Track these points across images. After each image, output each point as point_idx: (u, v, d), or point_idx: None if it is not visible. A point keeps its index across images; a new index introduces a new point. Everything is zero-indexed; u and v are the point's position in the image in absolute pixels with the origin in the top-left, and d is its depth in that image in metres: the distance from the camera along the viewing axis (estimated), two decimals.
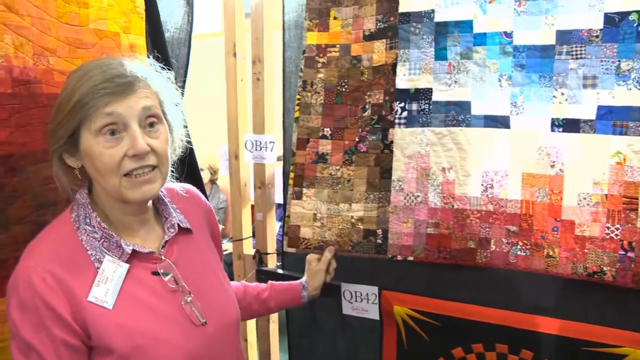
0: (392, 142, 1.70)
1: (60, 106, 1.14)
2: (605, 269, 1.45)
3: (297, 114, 1.86)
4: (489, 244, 1.59)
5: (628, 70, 1.42)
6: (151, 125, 1.17)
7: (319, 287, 1.73)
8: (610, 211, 1.45)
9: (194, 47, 2.07)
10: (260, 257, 2.18)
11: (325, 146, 1.81)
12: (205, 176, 5.10)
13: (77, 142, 1.14)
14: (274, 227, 2.22)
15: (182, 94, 1.68)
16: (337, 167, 1.79)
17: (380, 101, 1.73)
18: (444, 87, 1.64)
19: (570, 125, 1.49)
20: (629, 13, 1.42)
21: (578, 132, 1.48)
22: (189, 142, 1.37)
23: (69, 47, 1.45)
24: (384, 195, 1.72)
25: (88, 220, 1.18)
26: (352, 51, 1.78)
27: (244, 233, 2.30)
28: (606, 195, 1.45)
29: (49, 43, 1.40)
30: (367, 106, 1.76)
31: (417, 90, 1.67)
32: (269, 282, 1.70)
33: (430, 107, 1.65)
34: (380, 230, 1.72)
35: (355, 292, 1.81)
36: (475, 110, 1.60)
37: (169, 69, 1.30)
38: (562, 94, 1.49)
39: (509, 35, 1.56)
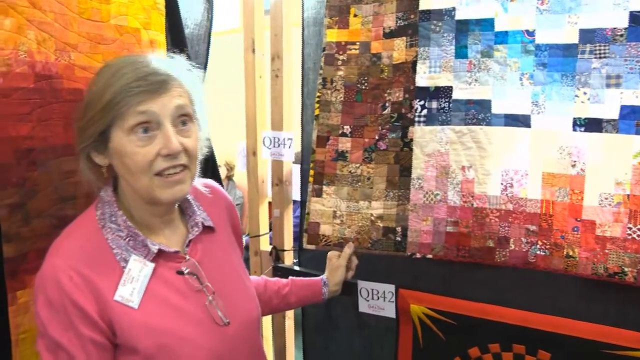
0: (411, 140, 1.70)
1: (91, 104, 1.13)
2: (626, 269, 1.43)
3: (317, 112, 1.86)
4: (508, 243, 1.59)
5: None
6: (183, 123, 1.16)
7: (340, 283, 1.73)
8: (632, 211, 1.43)
9: (212, 43, 2.08)
10: (277, 253, 2.19)
11: (345, 144, 1.81)
12: (222, 172, 5.10)
13: (107, 140, 1.14)
14: (291, 224, 2.22)
15: None
16: (357, 165, 1.79)
17: (400, 99, 1.73)
18: (464, 85, 1.63)
19: (592, 125, 1.48)
20: None
21: (600, 131, 1.46)
22: (208, 139, 1.37)
23: (90, 42, 1.46)
24: (403, 193, 1.71)
25: (114, 219, 1.18)
26: (372, 49, 1.78)
27: (261, 229, 2.30)
28: (628, 195, 1.44)
29: (71, 39, 1.41)
30: (387, 104, 1.76)
31: (437, 88, 1.66)
32: (290, 277, 1.70)
33: (450, 105, 1.64)
34: (399, 228, 1.72)
35: (372, 290, 1.81)
36: (496, 109, 1.59)
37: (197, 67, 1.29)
38: (585, 93, 1.48)
39: (531, 33, 1.55)
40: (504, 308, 1.58)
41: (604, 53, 1.45)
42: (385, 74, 1.76)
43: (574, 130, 1.50)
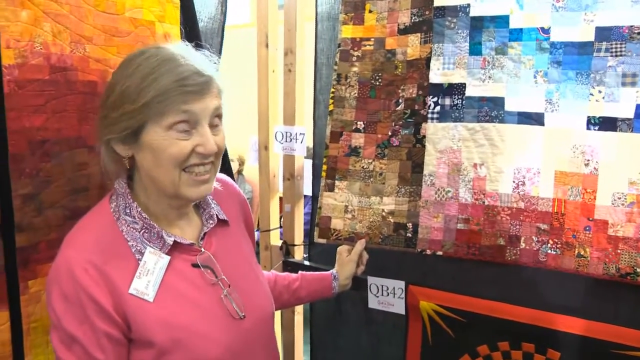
0: (424, 136, 1.69)
1: (128, 97, 1.10)
2: (638, 270, 1.42)
3: (331, 107, 1.86)
4: (518, 242, 1.58)
5: None
6: (215, 123, 1.16)
7: (350, 278, 1.73)
8: None
9: (225, 37, 2.08)
10: (287, 248, 2.19)
11: (358, 139, 1.81)
12: (234, 167, 5.12)
13: (139, 133, 1.12)
14: (301, 218, 2.23)
15: None
16: (370, 161, 1.79)
17: (414, 95, 1.72)
18: (478, 82, 1.62)
19: (606, 124, 1.46)
20: None
21: (615, 130, 1.45)
22: None
23: (104, 35, 1.46)
24: (415, 189, 1.71)
25: (128, 211, 1.17)
26: (386, 45, 1.78)
27: (271, 224, 2.31)
28: None
29: (86, 31, 1.41)
30: (400, 100, 1.75)
31: (451, 85, 1.65)
32: (300, 272, 1.71)
33: (463, 102, 1.64)
34: (410, 224, 1.72)
35: (382, 286, 1.81)
36: (509, 106, 1.58)
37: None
38: (600, 91, 1.47)
39: (546, 31, 1.54)
40: (514, 306, 1.58)
41: (620, 51, 1.44)
42: (399, 70, 1.75)
43: (588, 128, 1.49)
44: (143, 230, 1.17)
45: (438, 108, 1.67)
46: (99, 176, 1.46)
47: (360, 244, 1.75)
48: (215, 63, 1.21)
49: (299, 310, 2.29)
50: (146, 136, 1.11)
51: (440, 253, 1.68)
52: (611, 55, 1.45)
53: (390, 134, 1.76)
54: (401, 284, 1.77)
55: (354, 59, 1.83)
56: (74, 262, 1.08)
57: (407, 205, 1.73)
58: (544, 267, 1.55)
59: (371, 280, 1.82)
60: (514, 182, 1.58)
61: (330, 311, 2.12)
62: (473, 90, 1.63)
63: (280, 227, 2.32)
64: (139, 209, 1.18)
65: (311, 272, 1.71)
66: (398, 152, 1.75)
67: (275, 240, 2.30)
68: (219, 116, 1.17)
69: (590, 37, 1.48)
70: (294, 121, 2.13)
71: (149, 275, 1.13)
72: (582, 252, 1.49)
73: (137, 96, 1.09)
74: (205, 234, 1.27)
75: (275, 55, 2.24)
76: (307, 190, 2.16)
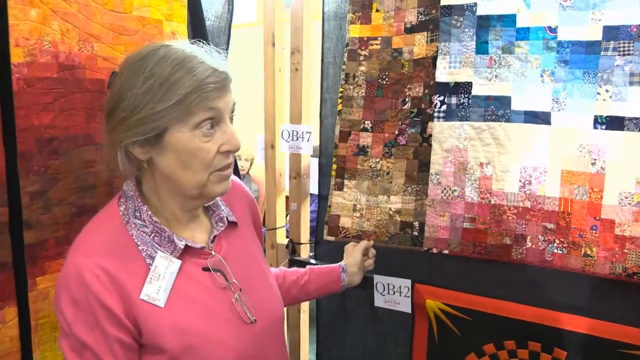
0: (430, 135, 1.69)
1: (154, 97, 1.06)
2: None
3: (339, 107, 1.87)
4: (525, 241, 1.58)
5: None
6: (231, 119, 1.15)
7: (357, 266, 1.70)
8: None
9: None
10: (293, 246, 2.20)
11: (366, 139, 1.82)
12: (245, 166, 5.10)
13: (161, 135, 1.09)
14: (307, 217, 2.23)
15: None
16: (377, 160, 1.80)
17: (420, 94, 1.72)
18: (484, 81, 1.62)
19: (614, 123, 1.46)
20: None
21: (622, 130, 1.45)
22: None
23: (112, 33, 1.47)
24: (421, 188, 1.71)
25: (138, 214, 1.15)
26: (393, 44, 1.78)
27: (278, 222, 2.31)
28: None
29: (94, 29, 1.42)
30: (406, 99, 1.75)
31: (457, 84, 1.66)
32: (308, 266, 1.69)
33: (470, 101, 1.64)
34: (417, 223, 1.72)
35: (388, 284, 1.81)
36: (516, 105, 1.58)
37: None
38: (607, 91, 1.47)
39: (553, 30, 1.53)
40: (520, 305, 1.58)
41: (628, 50, 1.44)
42: (406, 69, 1.76)
43: (595, 128, 1.49)
44: (153, 234, 1.14)
45: (444, 107, 1.67)
46: (106, 174, 1.47)
47: (365, 243, 1.76)
48: (224, 59, 1.19)
49: (305, 308, 2.29)
50: (170, 138, 1.09)
51: (446, 252, 1.68)
52: (619, 54, 1.45)
53: (397, 133, 1.77)
54: (407, 282, 1.77)
55: (362, 58, 1.83)
56: (84, 268, 1.06)
57: (413, 204, 1.73)
58: (550, 266, 1.55)
59: (377, 278, 1.82)
60: (520, 181, 1.58)
61: (336, 310, 2.12)
62: (479, 89, 1.63)
63: (287, 225, 2.33)
64: (149, 212, 1.15)
65: (319, 266, 1.70)
66: (405, 151, 1.75)
67: (282, 238, 2.31)
68: (234, 112, 1.17)
69: (598, 36, 1.48)
70: (300, 120, 2.13)
71: (160, 280, 1.11)
72: (589, 252, 1.49)
73: (163, 95, 1.06)
74: (215, 236, 1.25)
75: (282, 54, 2.24)
76: (314, 189, 2.16)
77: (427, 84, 1.71)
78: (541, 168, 1.56)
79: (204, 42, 1.18)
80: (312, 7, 2.10)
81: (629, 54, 1.44)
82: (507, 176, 1.59)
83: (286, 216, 2.38)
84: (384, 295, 1.83)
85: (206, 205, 1.28)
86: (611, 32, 1.46)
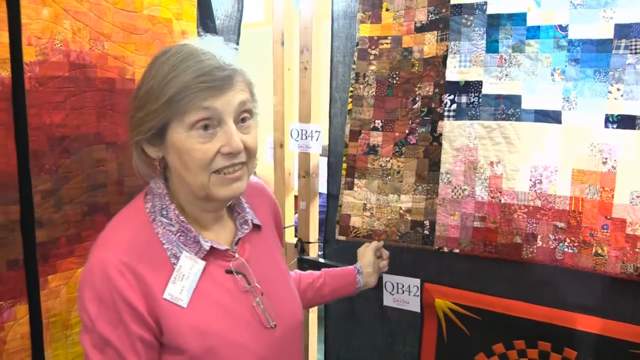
0: (441, 134, 1.69)
1: (151, 96, 1.07)
2: None
3: (350, 106, 1.87)
4: (535, 240, 1.57)
5: None
6: (243, 120, 1.11)
7: (371, 267, 1.69)
8: None
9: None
10: (302, 246, 2.20)
11: (376, 138, 1.82)
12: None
13: (164, 133, 1.09)
14: (316, 216, 2.23)
15: None
16: (387, 159, 1.80)
17: (430, 93, 1.72)
18: (495, 80, 1.62)
19: (625, 122, 1.46)
20: None
21: (634, 128, 1.44)
22: None
23: (123, 32, 1.48)
24: (432, 187, 1.71)
25: (165, 212, 1.14)
26: (403, 43, 1.78)
27: (286, 222, 2.31)
28: None
29: (105, 28, 1.43)
30: (417, 98, 1.75)
31: (467, 82, 1.65)
32: (323, 269, 1.67)
33: (480, 100, 1.63)
34: (427, 222, 1.72)
35: (397, 283, 1.81)
36: (526, 104, 1.58)
37: None
38: (618, 89, 1.46)
39: (564, 28, 1.53)
40: (530, 304, 1.58)
41: None
42: (416, 68, 1.76)
43: (606, 127, 1.48)
44: (179, 234, 1.13)
45: (454, 106, 1.67)
46: (117, 172, 1.48)
47: (376, 242, 1.76)
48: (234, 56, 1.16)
49: (314, 308, 2.29)
50: (170, 136, 1.08)
51: (457, 251, 1.68)
52: (630, 53, 1.44)
53: (407, 132, 1.77)
54: (416, 281, 1.77)
55: (372, 57, 1.83)
56: (109, 264, 1.04)
57: (424, 203, 1.73)
58: (561, 265, 1.54)
59: (386, 277, 1.82)
60: (530, 180, 1.57)
61: (345, 310, 2.12)
62: (490, 88, 1.62)
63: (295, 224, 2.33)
64: (176, 211, 1.14)
65: (334, 269, 1.69)
66: (415, 150, 1.75)
67: (290, 237, 2.31)
68: (248, 111, 1.12)
69: (610, 34, 1.47)
70: (309, 119, 2.13)
71: (184, 280, 1.10)
72: (600, 251, 1.49)
73: (158, 95, 1.06)
74: (239, 239, 1.25)
75: (291, 53, 2.24)
76: (322, 188, 2.16)
77: (437, 83, 1.71)
78: (552, 167, 1.55)
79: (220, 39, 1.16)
80: (322, 6, 2.10)
81: None
82: (518, 175, 1.59)
83: (295, 215, 2.39)
84: (393, 294, 1.83)
85: (230, 207, 1.27)
86: (623, 30, 1.45)
